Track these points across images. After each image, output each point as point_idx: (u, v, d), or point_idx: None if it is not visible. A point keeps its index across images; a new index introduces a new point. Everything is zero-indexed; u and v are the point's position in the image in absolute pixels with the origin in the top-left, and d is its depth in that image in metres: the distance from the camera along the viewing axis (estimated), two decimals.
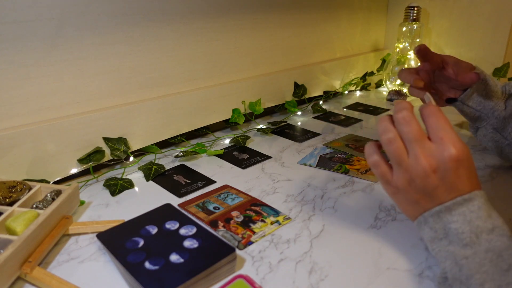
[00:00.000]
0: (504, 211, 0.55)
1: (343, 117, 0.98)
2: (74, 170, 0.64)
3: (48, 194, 0.53)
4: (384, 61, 1.23)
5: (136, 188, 0.65)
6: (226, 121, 0.88)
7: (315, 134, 0.86)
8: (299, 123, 0.94)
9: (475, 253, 0.36)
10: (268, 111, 1.01)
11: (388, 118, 0.43)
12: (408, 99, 1.13)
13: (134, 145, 0.72)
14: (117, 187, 0.63)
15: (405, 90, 1.13)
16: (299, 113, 1.00)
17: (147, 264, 0.42)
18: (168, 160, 0.75)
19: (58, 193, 0.54)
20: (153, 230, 0.48)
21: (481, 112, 0.65)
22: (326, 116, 0.99)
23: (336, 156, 0.74)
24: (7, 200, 0.51)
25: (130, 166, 0.71)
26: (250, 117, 0.92)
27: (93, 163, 0.66)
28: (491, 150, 0.68)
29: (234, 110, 0.86)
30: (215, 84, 0.84)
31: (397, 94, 1.10)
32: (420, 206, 0.41)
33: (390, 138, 0.41)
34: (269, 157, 0.75)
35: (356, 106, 1.07)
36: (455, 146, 0.38)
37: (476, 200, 0.39)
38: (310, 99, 1.07)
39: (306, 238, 0.50)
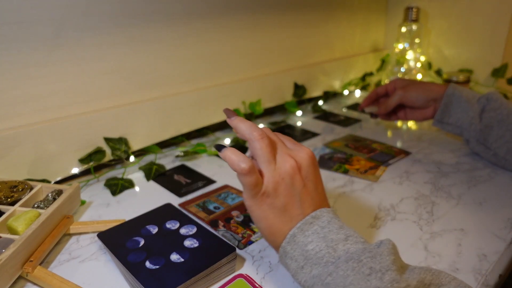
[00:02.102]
0: (503, 211, 0.55)
1: (343, 117, 0.98)
2: (75, 170, 0.65)
3: (49, 194, 0.53)
4: (383, 61, 1.23)
5: (136, 188, 0.65)
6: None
7: (315, 134, 0.87)
8: (299, 123, 0.94)
9: (337, 266, 0.35)
10: (268, 111, 1.01)
11: (245, 121, 0.42)
12: None
13: (135, 145, 0.72)
14: (117, 187, 0.63)
15: None
16: (299, 113, 1.00)
17: (148, 264, 0.42)
18: (168, 160, 0.75)
19: (59, 192, 0.54)
20: (154, 229, 0.48)
21: (461, 128, 0.70)
22: (326, 116, 0.99)
23: (335, 156, 0.75)
24: (9, 199, 0.51)
25: (131, 166, 0.71)
26: (250, 117, 0.92)
27: (94, 163, 0.66)
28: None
29: (234, 110, 0.86)
30: (215, 84, 0.84)
31: None
32: (289, 216, 0.39)
33: (263, 134, 0.40)
34: None
35: (356, 106, 1.07)
36: (308, 149, 0.42)
37: (324, 216, 0.39)
38: (310, 99, 1.07)
39: None
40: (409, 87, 0.77)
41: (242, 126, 0.41)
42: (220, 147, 0.41)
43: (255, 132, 0.40)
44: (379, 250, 0.35)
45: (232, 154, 0.39)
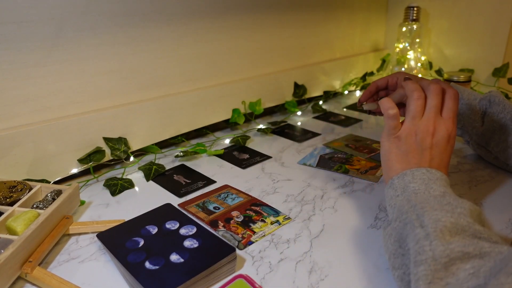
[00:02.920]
0: (504, 211, 0.55)
1: (343, 117, 0.98)
2: (74, 170, 0.64)
3: (49, 194, 0.53)
4: (384, 61, 1.23)
5: (136, 188, 0.65)
6: (226, 121, 0.88)
7: (315, 134, 0.86)
8: (299, 123, 0.94)
9: (423, 192, 0.43)
10: (268, 111, 1.01)
11: (414, 81, 0.51)
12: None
13: (134, 145, 0.72)
14: (117, 187, 0.63)
15: None
16: (299, 113, 1.00)
17: (147, 264, 0.42)
18: (168, 160, 0.75)
19: (58, 193, 0.54)
20: (153, 230, 0.48)
21: (462, 130, 0.68)
22: (326, 116, 0.99)
23: (336, 156, 0.74)
24: (8, 200, 0.51)
25: (130, 166, 0.71)
26: (250, 117, 0.92)
27: (93, 163, 0.66)
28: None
29: (234, 110, 0.86)
30: (215, 84, 0.84)
31: None
32: (407, 161, 0.47)
33: (420, 96, 0.49)
34: (269, 157, 0.75)
35: (356, 106, 1.07)
36: (454, 129, 0.48)
37: (437, 174, 0.45)
38: (310, 99, 1.07)
39: (306, 238, 0.50)
40: None
41: (409, 84, 0.50)
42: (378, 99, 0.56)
43: (415, 92, 0.49)
44: (466, 200, 0.40)
45: (386, 102, 0.50)
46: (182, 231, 0.48)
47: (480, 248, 0.34)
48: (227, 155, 0.76)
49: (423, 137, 0.47)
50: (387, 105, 0.50)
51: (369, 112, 0.70)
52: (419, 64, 1.12)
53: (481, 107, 0.66)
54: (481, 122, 0.65)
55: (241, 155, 0.76)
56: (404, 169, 0.47)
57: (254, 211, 0.56)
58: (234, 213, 0.56)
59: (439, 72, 1.16)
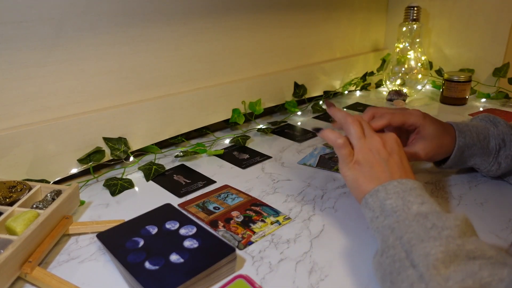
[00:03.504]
0: (504, 211, 0.55)
1: None
2: (74, 170, 0.64)
3: (48, 194, 0.53)
4: (384, 61, 1.23)
5: (136, 188, 0.65)
6: (226, 121, 0.88)
7: (315, 134, 0.86)
8: (299, 123, 0.94)
9: (406, 217, 0.40)
10: (268, 111, 1.01)
11: (342, 111, 0.54)
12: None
13: (134, 145, 0.72)
14: (117, 187, 0.63)
15: (405, 90, 1.13)
16: (299, 113, 1.00)
17: (147, 264, 0.42)
18: (168, 160, 0.75)
19: (58, 193, 0.54)
20: (153, 230, 0.48)
21: (478, 168, 0.62)
22: (326, 116, 0.99)
23: (336, 156, 0.74)
24: (7, 200, 0.51)
25: (130, 166, 0.71)
26: (250, 117, 0.92)
27: (93, 163, 0.66)
28: None
29: (234, 110, 0.86)
30: (215, 84, 0.84)
31: (397, 94, 1.10)
32: (377, 177, 0.46)
33: (354, 119, 0.51)
34: (269, 157, 0.75)
35: (356, 106, 1.07)
36: (392, 133, 0.51)
37: (409, 183, 0.45)
38: (310, 99, 1.07)
39: (306, 238, 0.50)
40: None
41: (338, 115, 0.53)
42: (318, 129, 0.53)
43: (349, 118, 0.51)
44: (448, 214, 0.39)
45: (330, 133, 0.51)
46: (182, 231, 0.48)
47: (480, 280, 0.32)
48: (227, 155, 0.76)
49: (378, 149, 0.48)
50: (332, 136, 0.50)
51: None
52: (419, 64, 1.12)
53: (495, 145, 0.59)
54: (497, 165, 0.59)
55: (241, 155, 0.76)
56: (375, 186, 0.46)
57: (254, 211, 0.56)
58: (234, 213, 0.56)
59: (439, 72, 1.16)
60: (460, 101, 1.04)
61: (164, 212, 0.52)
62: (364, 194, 0.47)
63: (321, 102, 1.06)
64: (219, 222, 0.54)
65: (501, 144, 0.58)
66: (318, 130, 0.53)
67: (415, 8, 1.08)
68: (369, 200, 0.45)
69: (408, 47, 1.12)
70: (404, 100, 1.08)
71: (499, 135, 0.59)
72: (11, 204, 0.51)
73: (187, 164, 0.73)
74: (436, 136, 0.57)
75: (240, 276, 0.43)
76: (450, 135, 0.59)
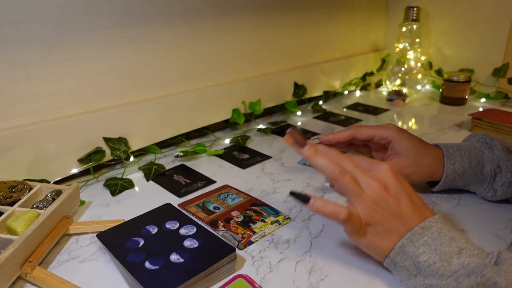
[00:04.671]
0: (503, 211, 0.55)
1: (343, 117, 0.98)
2: (74, 170, 0.64)
3: (49, 194, 0.53)
4: (384, 61, 1.23)
5: (136, 188, 0.65)
6: (226, 121, 0.88)
7: (315, 134, 0.86)
8: (299, 123, 0.94)
9: (458, 281, 0.34)
10: (268, 111, 1.01)
11: (318, 153, 0.43)
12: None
13: (134, 145, 0.72)
14: (117, 187, 0.63)
15: (405, 90, 1.13)
16: (299, 113, 1.00)
17: (147, 264, 0.42)
18: (168, 160, 0.75)
19: (58, 193, 0.54)
20: (153, 230, 0.48)
21: (474, 192, 0.58)
22: (326, 116, 0.99)
23: None
24: (8, 200, 0.51)
25: (130, 166, 0.71)
26: (250, 117, 0.92)
27: (94, 163, 0.66)
28: None
29: (234, 110, 0.86)
30: (215, 84, 0.84)
31: (397, 94, 1.10)
32: (393, 235, 0.40)
33: (342, 171, 0.41)
34: (269, 157, 0.75)
35: (356, 106, 1.07)
36: (388, 166, 0.42)
37: (433, 227, 0.39)
38: (310, 99, 1.07)
39: (306, 238, 0.50)
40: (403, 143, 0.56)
41: (320, 163, 0.42)
42: (305, 198, 0.41)
43: (336, 169, 0.41)
44: (503, 267, 0.34)
45: (326, 207, 0.40)
46: (182, 231, 0.48)
47: None
48: (227, 155, 0.76)
49: (384, 199, 0.40)
50: (333, 210, 0.40)
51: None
52: (419, 64, 1.12)
53: (490, 171, 0.54)
54: (493, 192, 0.55)
55: (241, 155, 0.76)
56: (396, 241, 0.40)
57: (254, 211, 0.56)
58: (234, 213, 0.56)
59: (439, 72, 1.16)
60: (459, 101, 1.05)
61: (164, 212, 0.52)
62: (386, 253, 0.41)
63: (321, 102, 1.06)
64: (219, 222, 0.54)
65: (496, 170, 0.54)
66: (306, 199, 0.41)
67: (415, 8, 1.09)
68: (397, 259, 0.40)
69: (408, 47, 1.12)
70: (404, 100, 1.08)
71: (494, 160, 0.54)
72: (11, 204, 0.51)
73: (187, 164, 0.73)
74: (413, 153, 0.53)
75: (240, 276, 0.43)
76: (433, 156, 0.54)
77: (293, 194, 0.42)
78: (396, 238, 0.40)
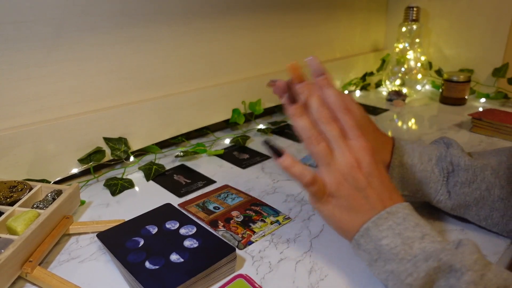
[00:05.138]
0: None
1: None
2: (74, 170, 0.64)
3: (49, 194, 0.53)
4: (383, 61, 1.23)
5: (136, 188, 0.65)
6: (226, 121, 0.88)
7: None
8: None
9: (416, 266, 0.34)
10: (268, 111, 1.01)
11: (303, 114, 0.42)
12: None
13: (135, 145, 0.72)
14: (117, 187, 0.63)
15: (404, 90, 1.13)
16: None
17: (147, 264, 0.42)
18: (168, 160, 0.75)
19: (58, 193, 0.54)
20: (153, 230, 0.48)
21: (427, 199, 0.52)
22: None
23: None
24: (8, 200, 0.51)
25: (131, 166, 0.71)
26: (250, 117, 0.92)
27: (94, 163, 0.66)
28: None
29: (234, 110, 0.86)
30: (215, 84, 0.84)
31: (397, 94, 1.10)
32: (355, 211, 0.40)
33: (317, 137, 0.40)
34: (269, 157, 0.75)
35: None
36: (368, 144, 0.40)
37: (400, 212, 0.39)
38: None
39: (306, 238, 0.50)
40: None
41: (301, 125, 0.41)
42: (277, 152, 0.41)
43: (312, 135, 0.40)
44: (460, 249, 0.34)
45: (293, 167, 0.40)
46: (182, 231, 0.48)
47: None
48: (227, 155, 0.76)
49: (354, 177, 0.39)
50: (300, 172, 0.40)
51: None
52: (418, 64, 1.12)
53: (441, 171, 0.49)
54: (447, 194, 0.49)
55: (241, 155, 0.76)
56: (362, 223, 0.39)
57: (254, 211, 0.56)
58: (234, 213, 0.56)
59: (439, 72, 1.16)
60: (459, 101, 1.05)
61: (164, 212, 0.52)
62: (352, 233, 0.40)
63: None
64: (219, 222, 0.54)
65: (449, 167, 0.49)
66: (277, 153, 0.41)
67: (415, 9, 1.09)
68: (361, 241, 0.39)
69: (408, 47, 1.12)
70: (404, 100, 1.08)
71: (447, 157, 0.49)
72: (11, 204, 0.51)
73: (187, 164, 0.73)
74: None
75: (240, 275, 0.44)
76: (380, 141, 0.50)
77: (267, 143, 0.41)
78: (360, 218, 0.39)
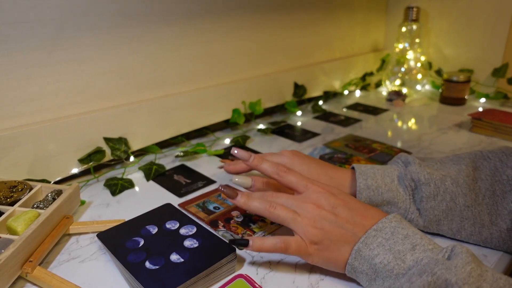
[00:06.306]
0: None
1: (343, 117, 0.98)
2: (74, 170, 0.64)
3: (49, 194, 0.53)
4: (383, 61, 1.23)
5: (136, 188, 0.65)
6: (226, 121, 0.88)
7: (315, 134, 0.87)
8: (299, 123, 0.94)
9: (411, 281, 0.34)
10: (268, 111, 1.01)
11: (250, 196, 0.45)
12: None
13: (135, 145, 0.72)
14: (117, 187, 0.63)
15: (404, 90, 1.13)
16: (299, 113, 1.00)
17: (148, 264, 0.42)
18: (168, 160, 0.75)
19: (58, 193, 0.54)
20: (154, 230, 0.48)
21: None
22: (326, 116, 0.99)
23: (335, 156, 0.75)
24: (8, 200, 0.51)
25: (131, 166, 0.71)
26: (250, 117, 0.92)
27: (94, 163, 0.66)
28: None
29: (234, 110, 0.86)
30: (215, 84, 0.84)
31: (397, 94, 1.10)
32: (342, 244, 0.40)
33: (272, 204, 0.43)
34: None
35: (355, 106, 1.07)
36: (315, 183, 0.45)
37: (387, 227, 0.39)
38: (310, 99, 1.07)
39: None
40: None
41: (253, 206, 0.44)
42: (244, 243, 0.42)
43: (266, 206, 0.43)
44: (454, 262, 0.33)
45: (264, 244, 0.42)
46: (182, 231, 0.48)
47: None
48: (227, 155, 0.76)
49: (321, 216, 0.41)
50: (271, 243, 0.42)
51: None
52: (418, 64, 1.13)
53: (405, 189, 0.49)
54: (417, 212, 0.49)
55: None
56: (351, 249, 0.40)
57: None
58: (234, 213, 0.56)
59: (438, 72, 1.16)
60: (459, 101, 1.05)
61: (164, 212, 0.52)
62: (344, 262, 0.41)
63: (320, 102, 1.06)
64: (219, 222, 0.54)
65: (412, 184, 0.49)
66: (245, 243, 0.43)
67: (415, 9, 1.09)
68: (356, 264, 0.40)
69: (408, 48, 1.12)
70: (404, 100, 1.08)
71: (407, 174, 0.49)
72: (12, 204, 0.51)
73: (187, 164, 0.73)
74: (306, 176, 0.47)
75: (240, 276, 0.44)
76: (336, 178, 0.52)
77: (232, 242, 0.44)
78: (348, 246, 0.40)
